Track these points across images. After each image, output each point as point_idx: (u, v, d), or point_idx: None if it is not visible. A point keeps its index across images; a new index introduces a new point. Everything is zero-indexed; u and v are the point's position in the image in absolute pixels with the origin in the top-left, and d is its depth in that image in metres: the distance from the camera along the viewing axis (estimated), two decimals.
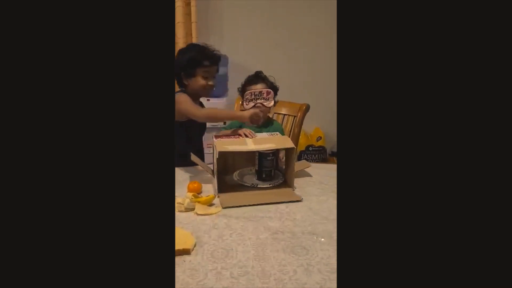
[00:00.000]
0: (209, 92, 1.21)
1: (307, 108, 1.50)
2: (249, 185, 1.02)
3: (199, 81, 1.16)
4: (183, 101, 1.12)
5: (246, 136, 1.07)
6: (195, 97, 1.21)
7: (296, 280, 0.61)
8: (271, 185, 1.02)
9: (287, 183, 1.04)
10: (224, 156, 1.04)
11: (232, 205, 0.89)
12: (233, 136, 1.08)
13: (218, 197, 0.93)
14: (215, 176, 0.96)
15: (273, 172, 1.07)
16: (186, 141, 1.21)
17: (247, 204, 0.90)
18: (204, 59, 1.14)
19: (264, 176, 1.06)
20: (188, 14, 2.02)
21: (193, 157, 1.00)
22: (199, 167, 1.08)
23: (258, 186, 1.02)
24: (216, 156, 0.94)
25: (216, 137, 1.05)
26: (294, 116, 1.50)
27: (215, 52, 1.19)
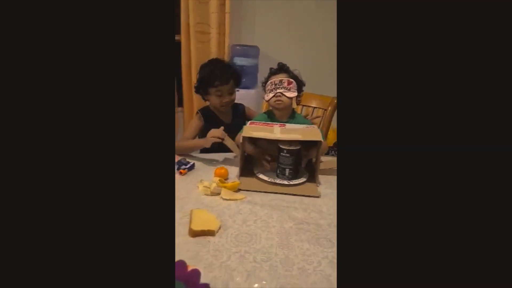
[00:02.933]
0: (227, 107, 1.24)
1: None
2: (255, 172, 0.99)
3: (214, 99, 1.20)
4: (185, 130, 1.24)
5: (219, 138, 1.03)
6: (219, 111, 1.25)
7: (321, 271, 0.59)
8: (278, 182, 0.94)
9: (312, 178, 0.99)
10: (254, 143, 1.03)
11: (248, 189, 0.89)
12: (264, 124, 1.06)
13: (239, 180, 0.94)
14: (240, 161, 0.97)
15: (287, 171, 0.96)
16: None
17: (264, 190, 0.89)
18: (214, 79, 1.15)
19: (278, 171, 0.97)
20: (222, 4, 2.03)
21: (227, 140, 1.01)
22: (227, 155, 1.09)
23: (260, 176, 0.97)
24: (241, 141, 0.95)
25: (251, 123, 1.04)
26: (324, 110, 1.46)
27: (229, 69, 1.18)
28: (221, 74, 1.16)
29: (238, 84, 1.24)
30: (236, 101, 1.34)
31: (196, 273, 0.39)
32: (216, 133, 1.03)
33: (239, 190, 0.89)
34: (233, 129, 1.22)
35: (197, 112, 1.27)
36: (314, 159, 1.07)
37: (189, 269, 0.44)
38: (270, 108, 1.18)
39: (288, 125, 1.04)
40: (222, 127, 1.05)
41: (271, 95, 1.09)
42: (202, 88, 1.20)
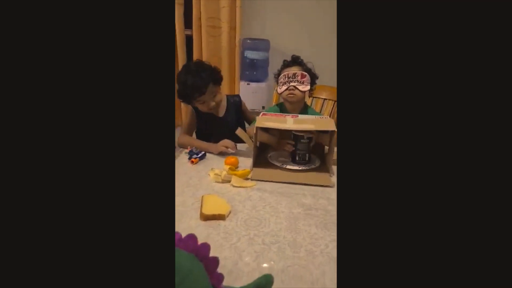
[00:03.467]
0: (217, 108, 1.18)
1: None
2: (279, 165, 1.01)
3: (200, 107, 1.15)
4: (183, 125, 1.19)
5: (228, 149, 1.07)
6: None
7: (328, 253, 0.61)
8: (301, 168, 0.99)
9: (325, 168, 1.01)
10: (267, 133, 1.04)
11: (261, 179, 0.90)
12: (276, 115, 1.07)
13: (252, 170, 0.95)
14: (253, 151, 0.98)
15: (307, 156, 1.02)
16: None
17: (277, 180, 0.91)
18: (192, 93, 1.08)
19: (297, 159, 1.02)
20: None
21: (239, 131, 1.03)
22: (239, 145, 1.12)
23: (286, 167, 0.99)
24: (255, 132, 0.96)
25: (263, 114, 1.06)
26: (335, 101, 1.46)
27: (202, 74, 1.07)
28: (195, 85, 1.06)
29: (218, 82, 1.13)
30: (247, 95, 1.33)
31: (206, 246, 0.41)
32: (228, 144, 1.07)
33: (250, 179, 0.91)
34: (226, 123, 1.21)
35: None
36: (326, 149, 1.09)
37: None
38: (282, 100, 1.19)
39: (301, 116, 1.05)
40: (233, 143, 1.09)
41: (284, 88, 1.09)
42: (184, 100, 1.14)
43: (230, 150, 1.08)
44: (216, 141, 1.11)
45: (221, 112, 1.22)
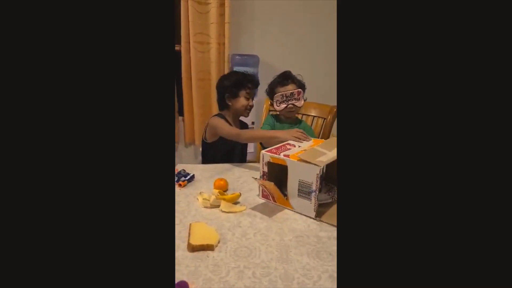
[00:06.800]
0: (249, 112, 1.30)
1: None
2: (331, 200, 0.91)
3: (242, 101, 1.27)
4: (221, 125, 1.22)
5: (300, 139, 1.02)
6: (236, 117, 1.32)
7: (320, 286, 0.59)
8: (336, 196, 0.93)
9: None
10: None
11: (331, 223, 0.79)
12: (281, 146, 0.98)
13: (320, 221, 0.81)
14: (314, 197, 0.81)
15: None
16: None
17: None
18: (248, 82, 1.27)
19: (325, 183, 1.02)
20: (222, 14, 2.05)
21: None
22: (227, 165, 1.09)
23: (335, 197, 0.92)
24: (320, 173, 0.79)
25: (271, 151, 0.91)
26: (324, 119, 1.46)
27: (255, 77, 1.33)
28: (252, 78, 1.29)
29: (256, 93, 1.34)
30: None
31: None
32: (300, 136, 1.03)
33: (238, 202, 0.89)
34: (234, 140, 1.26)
35: (214, 115, 1.30)
36: None
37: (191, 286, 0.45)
38: (272, 113, 1.33)
39: (304, 145, 0.98)
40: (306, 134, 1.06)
41: (283, 106, 1.24)
42: (233, 91, 1.25)
43: (301, 140, 1.01)
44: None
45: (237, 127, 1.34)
